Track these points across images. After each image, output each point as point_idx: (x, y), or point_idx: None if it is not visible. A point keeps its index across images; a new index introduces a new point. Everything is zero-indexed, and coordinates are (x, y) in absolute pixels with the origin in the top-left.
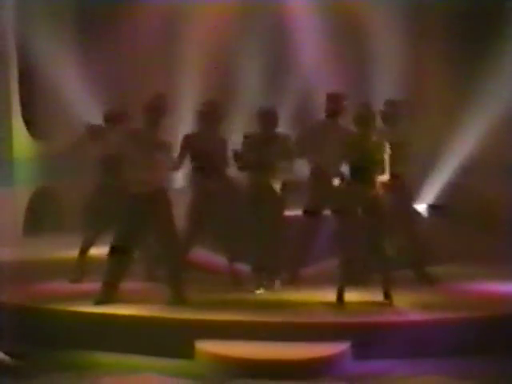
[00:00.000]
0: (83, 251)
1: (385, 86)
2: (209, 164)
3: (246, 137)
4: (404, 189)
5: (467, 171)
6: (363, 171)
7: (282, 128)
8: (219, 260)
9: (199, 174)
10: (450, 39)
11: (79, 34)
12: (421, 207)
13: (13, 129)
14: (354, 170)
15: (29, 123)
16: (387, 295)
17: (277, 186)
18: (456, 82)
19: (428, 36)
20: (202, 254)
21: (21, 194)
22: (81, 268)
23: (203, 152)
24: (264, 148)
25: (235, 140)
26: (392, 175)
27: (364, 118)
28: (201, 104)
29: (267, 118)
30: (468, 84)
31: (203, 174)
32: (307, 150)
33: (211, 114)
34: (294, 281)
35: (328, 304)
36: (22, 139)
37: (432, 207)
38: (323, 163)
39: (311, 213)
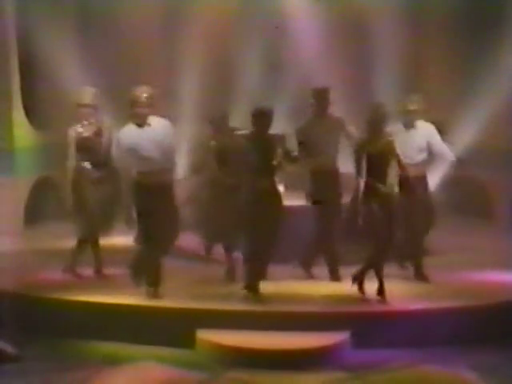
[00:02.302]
0: (81, 243)
1: (385, 81)
2: None
3: (238, 137)
4: (422, 187)
5: (467, 162)
6: (377, 169)
7: (281, 125)
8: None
9: None
10: (450, 31)
11: (80, 24)
12: None
13: (13, 118)
14: (370, 168)
15: (29, 113)
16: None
17: (277, 188)
18: (455, 74)
19: (427, 29)
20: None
21: (22, 184)
22: (75, 258)
23: None
24: (260, 149)
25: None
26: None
27: (377, 119)
28: None
29: (263, 118)
30: (467, 75)
31: None
32: (307, 150)
33: None
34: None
35: (327, 294)
36: (22, 129)
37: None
38: (322, 158)
39: (315, 202)
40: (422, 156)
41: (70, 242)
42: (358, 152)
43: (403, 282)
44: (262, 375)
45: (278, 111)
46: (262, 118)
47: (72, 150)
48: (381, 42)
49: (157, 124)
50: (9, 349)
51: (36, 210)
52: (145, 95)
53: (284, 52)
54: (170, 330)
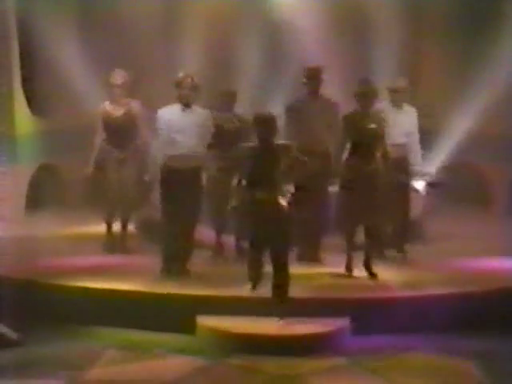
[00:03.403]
0: (109, 226)
1: (384, 71)
2: None
3: (242, 149)
4: (403, 165)
5: (466, 148)
6: (363, 147)
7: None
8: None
9: None
10: (449, 19)
11: (80, 11)
12: (419, 184)
13: (14, 106)
14: (355, 146)
15: (30, 100)
16: (370, 271)
17: (281, 201)
18: (454, 60)
19: (426, 18)
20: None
21: (23, 171)
22: (112, 241)
23: None
24: (265, 160)
25: None
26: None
27: (364, 94)
28: None
29: (266, 125)
30: (466, 62)
31: None
32: (296, 128)
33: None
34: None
35: (327, 279)
36: (23, 116)
37: (431, 185)
38: (311, 138)
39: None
40: (405, 139)
41: (71, 229)
42: (345, 126)
43: (401, 269)
44: (262, 361)
45: (278, 99)
46: (264, 124)
47: (99, 128)
48: (380, 31)
49: (199, 112)
50: (10, 333)
51: (37, 197)
52: (189, 78)
53: (283, 40)
54: (171, 315)
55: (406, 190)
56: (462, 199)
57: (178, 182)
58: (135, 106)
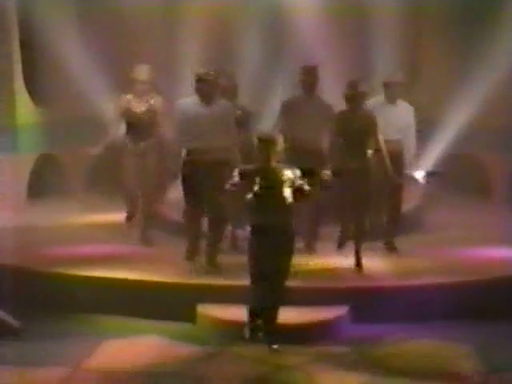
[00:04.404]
0: (129, 217)
1: (383, 59)
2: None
3: (242, 173)
4: (397, 161)
5: (465, 139)
6: (353, 145)
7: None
8: None
9: None
10: (449, 12)
11: (82, 2)
12: (419, 174)
13: (15, 95)
14: (346, 144)
15: (32, 90)
16: (358, 263)
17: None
18: (454, 51)
19: (426, 11)
20: None
21: (24, 161)
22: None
23: None
24: (267, 183)
25: None
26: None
27: (353, 95)
28: None
29: (269, 146)
30: (466, 51)
31: None
32: (289, 124)
33: None
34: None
35: (327, 269)
36: (25, 106)
37: (430, 174)
38: (305, 137)
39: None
40: (400, 134)
41: (71, 218)
42: (336, 125)
43: (400, 258)
44: (262, 349)
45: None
46: (267, 145)
47: (117, 119)
48: (380, 25)
49: (220, 105)
50: (11, 321)
51: (38, 187)
52: (209, 74)
53: (285, 34)
54: (171, 304)
55: (398, 186)
56: (462, 189)
57: (201, 175)
58: (157, 101)
